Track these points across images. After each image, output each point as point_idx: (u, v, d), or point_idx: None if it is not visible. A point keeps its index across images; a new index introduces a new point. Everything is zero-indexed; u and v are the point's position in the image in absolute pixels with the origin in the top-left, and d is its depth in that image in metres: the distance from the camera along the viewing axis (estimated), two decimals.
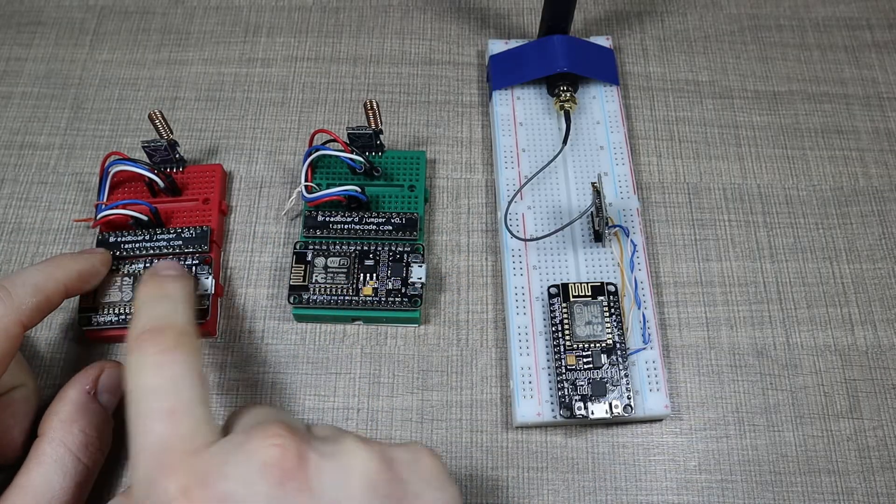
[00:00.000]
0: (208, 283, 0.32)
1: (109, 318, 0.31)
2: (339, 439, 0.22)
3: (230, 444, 0.22)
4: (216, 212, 0.34)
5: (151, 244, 0.33)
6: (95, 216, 0.33)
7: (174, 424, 0.22)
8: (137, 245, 0.33)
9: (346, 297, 0.32)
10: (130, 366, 0.24)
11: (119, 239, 0.33)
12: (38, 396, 0.29)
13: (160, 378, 0.23)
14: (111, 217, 0.33)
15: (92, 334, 0.32)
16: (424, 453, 0.23)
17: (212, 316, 0.32)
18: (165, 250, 0.33)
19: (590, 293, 0.31)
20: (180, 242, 0.33)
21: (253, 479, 0.20)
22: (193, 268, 0.32)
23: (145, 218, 0.33)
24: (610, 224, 0.33)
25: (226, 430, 0.24)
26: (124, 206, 0.33)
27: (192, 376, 0.23)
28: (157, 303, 0.26)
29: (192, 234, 0.33)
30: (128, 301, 0.32)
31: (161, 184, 0.34)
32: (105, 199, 0.34)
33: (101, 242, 0.33)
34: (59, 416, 0.27)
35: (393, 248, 0.33)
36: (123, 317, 0.31)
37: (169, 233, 0.33)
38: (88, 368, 0.29)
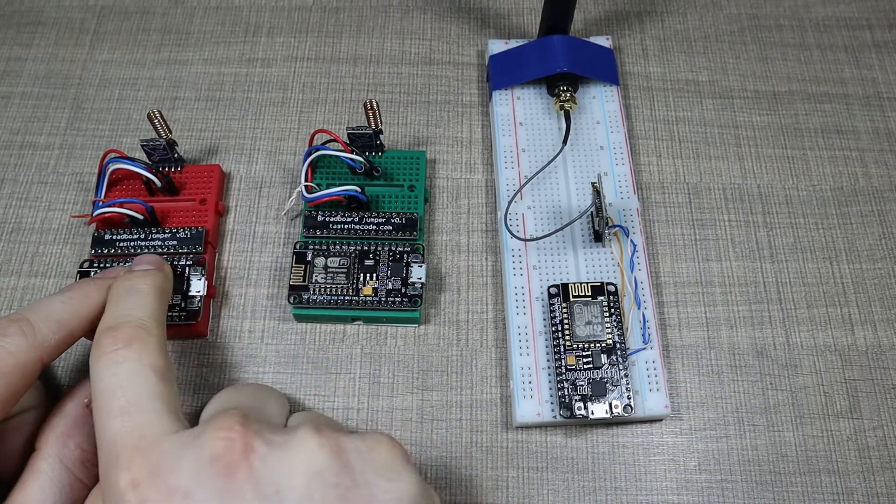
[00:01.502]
0: (201, 284, 0.32)
1: None
2: (295, 430, 0.23)
3: (186, 436, 0.22)
4: (212, 212, 0.34)
5: (146, 243, 0.33)
6: (92, 213, 0.33)
7: (127, 420, 0.22)
8: (132, 244, 0.33)
9: (346, 297, 0.32)
10: (91, 366, 0.24)
11: (114, 237, 0.33)
12: None
13: (114, 377, 0.24)
14: (107, 214, 0.33)
15: (93, 333, 0.32)
16: (383, 442, 0.23)
17: (203, 317, 0.32)
18: (160, 250, 0.33)
19: (590, 293, 0.31)
20: (175, 242, 0.33)
21: (201, 473, 0.21)
22: (187, 269, 0.32)
23: (141, 217, 0.33)
24: (610, 224, 0.33)
25: (199, 417, 0.25)
26: (121, 205, 0.33)
27: (145, 372, 0.24)
28: (122, 299, 0.27)
29: (186, 234, 0.33)
30: None
31: (158, 183, 0.34)
32: (102, 197, 0.34)
33: (97, 240, 0.33)
34: (55, 430, 0.27)
35: (393, 248, 0.33)
36: None
37: (164, 232, 0.33)
38: (86, 380, 0.28)
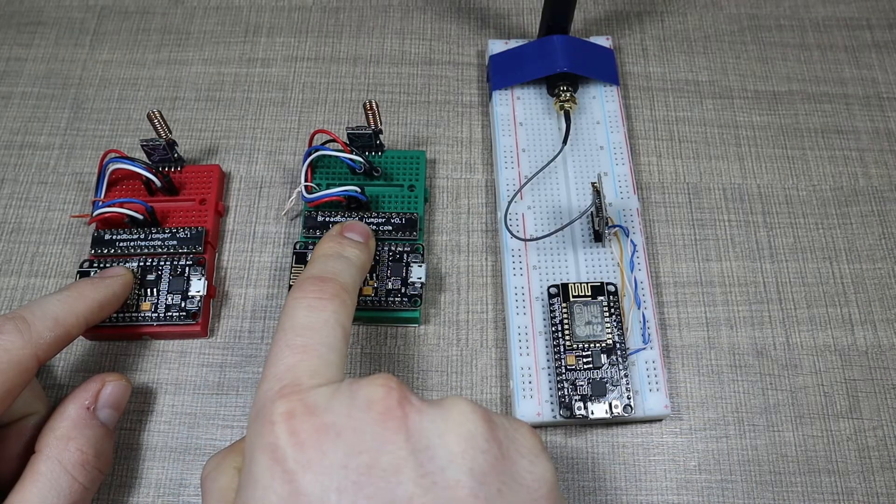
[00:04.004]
0: (201, 284, 0.32)
1: (110, 316, 0.31)
2: (446, 397, 0.23)
3: (344, 385, 0.23)
4: (212, 212, 0.34)
5: (146, 243, 0.33)
6: (92, 213, 0.33)
7: (304, 358, 0.23)
8: (132, 244, 0.33)
9: None
10: (287, 302, 0.25)
11: (114, 237, 0.33)
12: None
13: (307, 318, 0.24)
14: (107, 214, 0.33)
15: (92, 332, 0.32)
16: (525, 425, 0.23)
17: (203, 317, 0.32)
18: (160, 250, 0.33)
19: (590, 293, 0.31)
20: (175, 242, 0.33)
21: (355, 414, 0.21)
22: (187, 269, 0.32)
23: (141, 217, 0.33)
24: (610, 224, 0.33)
25: None
26: (121, 205, 0.33)
27: (336, 326, 0.25)
28: (332, 259, 0.28)
29: (186, 234, 0.33)
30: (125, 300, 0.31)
31: (158, 183, 0.34)
32: (102, 197, 0.34)
33: (97, 239, 0.33)
34: (55, 432, 0.26)
35: (393, 248, 0.33)
36: (123, 314, 0.31)
37: (164, 232, 0.33)
38: (89, 382, 0.28)
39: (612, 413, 0.29)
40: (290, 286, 0.32)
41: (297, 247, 0.33)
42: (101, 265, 0.32)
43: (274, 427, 0.21)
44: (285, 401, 0.22)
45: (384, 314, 0.32)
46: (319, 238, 0.33)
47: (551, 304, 0.31)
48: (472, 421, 0.21)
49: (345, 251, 0.28)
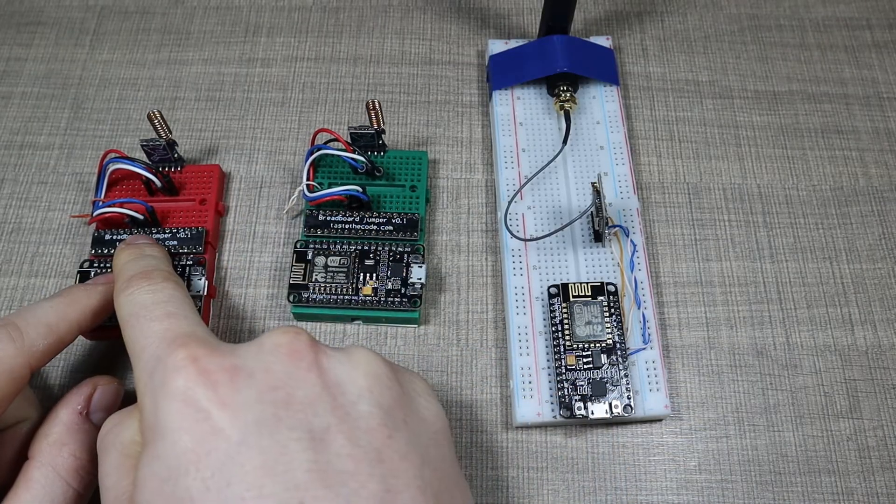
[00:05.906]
0: (201, 284, 0.32)
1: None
2: (350, 346, 0.24)
3: (241, 344, 0.23)
4: (212, 212, 0.34)
5: None
6: (92, 213, 0.33)
7: (175, 321, 0.23)
8: None
9: (346, 297, 0.32)
10: (122, 299, 0.25)
11: (115, 237, 0.33)
12: None
13: (155, 297, 0.24)
14: (108, 214, 0.33)
15: (91, 332, 0.32)
16: (418, 376, 0.25)
17: (203, 317, 0.32)
18: None
19: (590, 293, 0.31)
20: (175, 242, 0.33)
21: (264, 357, 0.22)
22: (187, 269, 0.32)
23: (141, 217, 0.33)
24: (610, 224, 0.33)
25: None
26: (121, 205, 0.33)
27: (185, 297, 0.25)
28: (140, 260, 0.28)
29: (187, 234, 0.33)
30: None
31: (158, 183, 0.34)
32: (102, 197, 0.34)
33: (97, 240, 0.33)
34: (48, 438, 0.26)
35: (393, 249, 0.33)
36: None
37: (164, 233, 0.33)
38: (81, 386, 0.28)
39: (612, 413, 0.29)
40: (291, 284, 0.32)
41: (298, 245, 0.33)
42: (102, 265, 0.32)
43: (180, 372, 0.21)
44: (184, 348, 0.21)
45: (383, 314, 0.32)
46: (320, 237, 0.33)
47: (551, 304, 0.31)
48: (375, 363, 0.23)
49: (144, 251, 0.29)
